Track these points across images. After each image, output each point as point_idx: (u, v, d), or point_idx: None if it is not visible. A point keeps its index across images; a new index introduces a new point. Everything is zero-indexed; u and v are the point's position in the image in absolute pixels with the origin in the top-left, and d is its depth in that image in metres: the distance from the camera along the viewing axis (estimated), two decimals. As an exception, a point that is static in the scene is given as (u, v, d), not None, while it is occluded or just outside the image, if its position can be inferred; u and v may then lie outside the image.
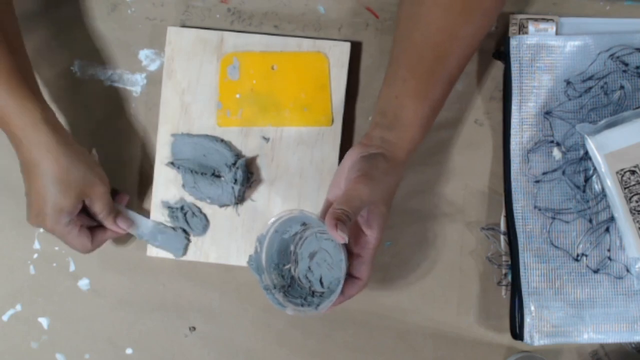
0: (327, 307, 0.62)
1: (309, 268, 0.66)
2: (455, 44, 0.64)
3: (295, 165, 0.73)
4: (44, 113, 0.65)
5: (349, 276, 0.63)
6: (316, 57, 0.72)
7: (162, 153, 0.73)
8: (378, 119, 0.65)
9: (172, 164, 0.73)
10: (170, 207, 0.73)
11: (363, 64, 0.74)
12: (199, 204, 0.73)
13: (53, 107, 0.73)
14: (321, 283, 0.66)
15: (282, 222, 0.64)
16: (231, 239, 0.73)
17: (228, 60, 0.73)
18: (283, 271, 0.66)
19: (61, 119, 0.72)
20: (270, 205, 0.73)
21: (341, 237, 0.57)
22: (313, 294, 0.66)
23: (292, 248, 0.66)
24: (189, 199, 0.73)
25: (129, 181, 0.75)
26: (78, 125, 0.75)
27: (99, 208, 0.69)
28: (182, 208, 0.73)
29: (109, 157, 0.75)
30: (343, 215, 0.58)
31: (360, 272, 0.63)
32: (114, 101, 0.75)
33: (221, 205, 0.73)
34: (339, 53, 0.73)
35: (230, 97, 0.73)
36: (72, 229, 0.68)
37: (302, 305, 0.64)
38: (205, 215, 0.73)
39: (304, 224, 0.66)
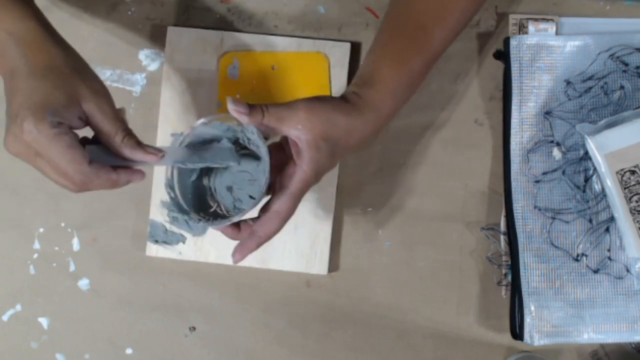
0: (239, 217, 0.56)
1: (234, 203, 0.60)
2: (441, 15, 0.62)
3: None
4: (32, 9, 0.55)
5: (269, 211, 0.57)
6: (316, 58, 0.72)
7: None
8: (354, 81, 0.61)
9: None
10: (170, 207, 0.73)
11: (363, 64, 0.74)
12: (199, 203, 0.73)
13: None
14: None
15: (185, 152, 0.58)
16: (231, 239, 0.73)
17: (228, 60, 0.73)
18: (208, 214, 0.60)
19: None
20: (270, 205, 0.73)
21: (235, 110, 0.54)
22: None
23: (205, 182, 0.61)
24: (189, 199, 0.73)
25: (129, 181, 0.75)
26: (78, 125, 0.75)
27: (104, 117, 0.53)
28: (182, 208, 0.73)
29: (109, 157, 0.75)
30: (251, 105, 0.55)
31: (279, 204, 0.56)
32: (114, 101, 0.75)
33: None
34: (339, 53, 0.73)
35: (231, 95, 0.73)
36: (61, 135, 0.50)
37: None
38: (205, 215, 0.73)
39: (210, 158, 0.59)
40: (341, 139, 0.58)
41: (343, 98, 0.59)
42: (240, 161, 0.60)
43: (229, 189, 0.61)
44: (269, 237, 0.57)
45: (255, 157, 0.60)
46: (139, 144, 0.55)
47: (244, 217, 0.58)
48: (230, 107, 0.56)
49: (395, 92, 0.60)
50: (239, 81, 0.72)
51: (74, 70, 0.53)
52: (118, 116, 0.54)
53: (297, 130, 0.56)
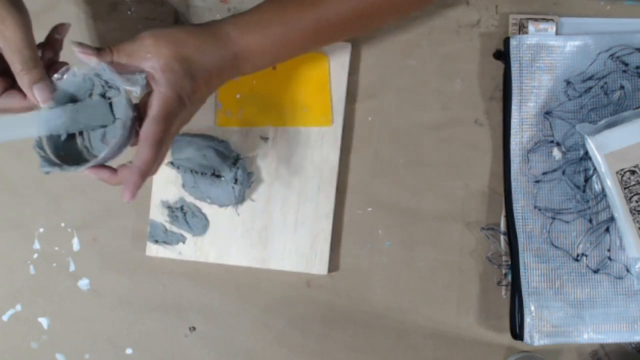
0: (105, 155, 0.56)
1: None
2: None
3: (295, 165, 0.73)
4: None
5: (139, 141, 0.56)
6: (316, 57, 0.72)
7: None
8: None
9: (171, 163, 0.73)
10: (170, 207, 0.73)
11: (363, 64, 0.74)
12: (199, 203, 0.73)
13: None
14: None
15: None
16: (231, 239, 0.73)
17: None
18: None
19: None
20: (270, 205, 0.73)
21: (83, 52, 0.55)
22: None
23: (79, 141, 0.60)
24: (189, 198, 0.73)
25: (129, 181, 0.75)
26: (78, 125, 0.75)
27: (12, 46, 0.53)
28: (181, 208, 0.73)
29: (109, 157, 0.75)
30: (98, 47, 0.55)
31: (145, 130, 0.56)
32: (114, 101, 0.75)
33: (221, 205, 0.73)
34: (340, 53, 0.73)
35: (230, 97, 0.73)
36: None
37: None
38: (205, 215, 0.73)
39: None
40: (194, 57, 0.58)
41: (193, 25, 0.60)
42: (112, 115, 0.59)
43: (103, 139, 0.60)
44: (147, 165, 0.56)
45: (120, 98, 0.58)
46: (32, 82, 0.55)
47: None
48: (77, 49, 0.55)
49: (256, 30, 0.60)
50: (239, 81, 0.72)
51: None
52: (23, 41, 0.53)
53: (147, 59, 0.57)
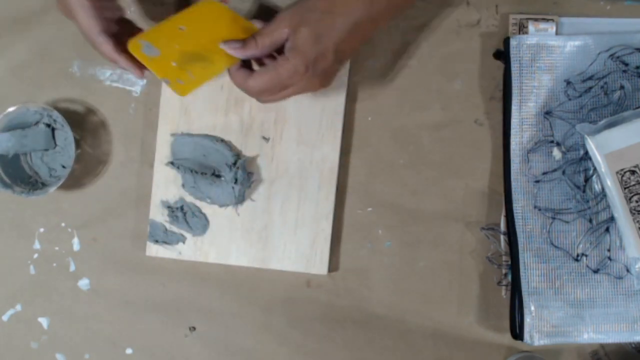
0: (57, 185, 0.71)
1: (49, 172, 0.74)
2: None
3: (295, 165, 0.73)
4: None
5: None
6: (210, 5, 0.68)
7: (161, 152, 0.73)
8: None
9: (171, 163, 0.73)
10: (170, 207, 0.73)
11: (363, 64, 0.74)
12: (199, 203, 0.73)
13: (53, 107, 0.73)
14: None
15: None
16: (231, 238, 0.73)
17: (136, 46, 0.66)
18: (28, 184, 0.73)
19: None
20: (270, 205, 0.73)
21: (230, 48, 0.61)
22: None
23: (23, 158, 0.75)
24: (189, 198, 0.73)
25: (128, 181, 0.75)
26: (78, 125, 0.75)
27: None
28: (181, 208, 0.73)
29: (108, 157, 0.75)
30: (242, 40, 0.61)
31: (258, 72, 0.61)
32: (114, 101, 0.75)
33: (221, 205, 0.73)
34: None
35: (168, 68, 0.67)
36: (86, 5, 0.61)
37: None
38: (205, 215, 0.73)
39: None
40: (323, 20, 0.60)
41: None
42: (54, 142, 0.73)
43: (42, 159, 0.74)
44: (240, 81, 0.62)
45: (63, 131, 0.73)
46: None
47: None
48: (224, 46, 0.62)
49: None
50: (164, 54, 0.66)
51: None
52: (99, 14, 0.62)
53: (284, 33, 0.60)
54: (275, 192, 0.73)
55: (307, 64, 0.60)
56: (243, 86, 0.63)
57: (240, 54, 0.62)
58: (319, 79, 0.62)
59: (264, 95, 0.63)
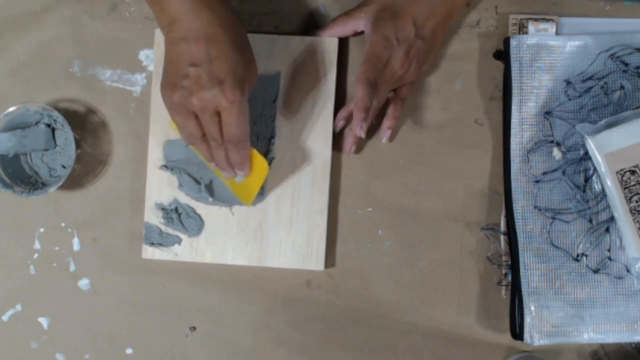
0: (57, 185, 0.71)
1: (50, 172, 0.74)
2: None
3: (288, 161, 0.73)
4: None
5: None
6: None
7: (154, 155, 0.73)
8: None
9: (165, 166, 0.73)
10: (164, 209, 0.73)
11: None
12: (194, 204, 0.73)
13: (53, 107, 0.73)
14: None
15: None
16: (226, 238, 0.73)
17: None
18: (29, 184, 0.73)
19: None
20: (264, 202, 0.73)
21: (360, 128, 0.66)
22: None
23: (23, 158, 0.74)
24: (183, 199, 0.73)
25: (128, 181, 0.75)
26: (78, 125, 0.75)
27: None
28: (176, 209, 0.73)
29: (108, 157, 0.75)
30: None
31: (357, 74, 0.66)
32: (114, 101, 0.75)
33: (223, 204, 0.73)
34: (328, 49, 0.72)
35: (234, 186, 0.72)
36: (246, 106, 0.60)
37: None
38: (199, 216, 0.73)
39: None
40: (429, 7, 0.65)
41: None
42: (54, 142, 0.73)
43: (42, 159, 0.74)
44: (362, 101, 0.65)
45: (63, 131, 0.73)
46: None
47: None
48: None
49: None
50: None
51: (248, 45, 0.61)
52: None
53: (362, 18, 0.68)
54: (269, 190, 0.73)
55: (387, 36, 0.65)
56: (358, 100, 0.65)
57: (335, 33, 0.71)
58: (410, 60, 0.66)
59: (375, 75, 0.65)
